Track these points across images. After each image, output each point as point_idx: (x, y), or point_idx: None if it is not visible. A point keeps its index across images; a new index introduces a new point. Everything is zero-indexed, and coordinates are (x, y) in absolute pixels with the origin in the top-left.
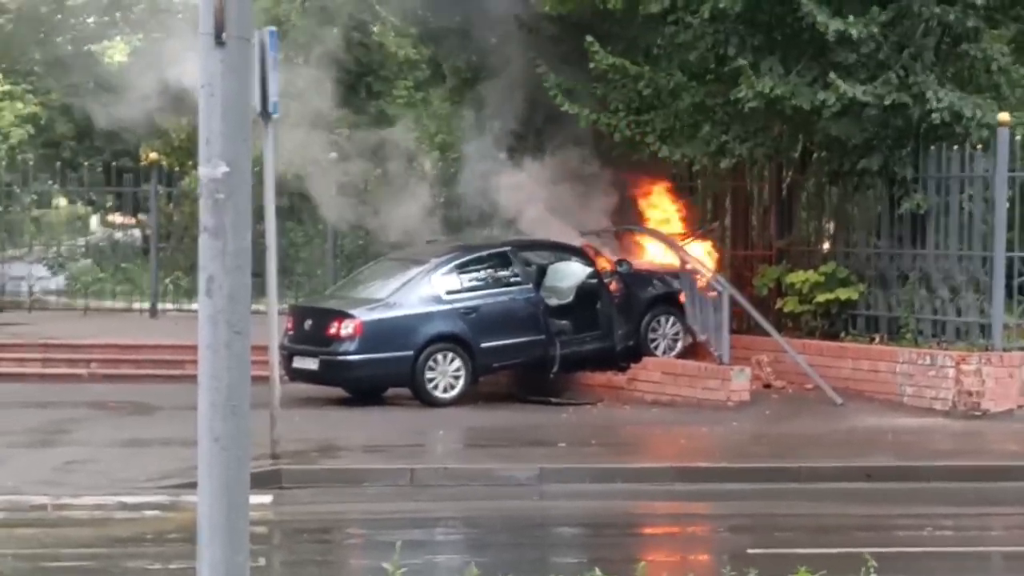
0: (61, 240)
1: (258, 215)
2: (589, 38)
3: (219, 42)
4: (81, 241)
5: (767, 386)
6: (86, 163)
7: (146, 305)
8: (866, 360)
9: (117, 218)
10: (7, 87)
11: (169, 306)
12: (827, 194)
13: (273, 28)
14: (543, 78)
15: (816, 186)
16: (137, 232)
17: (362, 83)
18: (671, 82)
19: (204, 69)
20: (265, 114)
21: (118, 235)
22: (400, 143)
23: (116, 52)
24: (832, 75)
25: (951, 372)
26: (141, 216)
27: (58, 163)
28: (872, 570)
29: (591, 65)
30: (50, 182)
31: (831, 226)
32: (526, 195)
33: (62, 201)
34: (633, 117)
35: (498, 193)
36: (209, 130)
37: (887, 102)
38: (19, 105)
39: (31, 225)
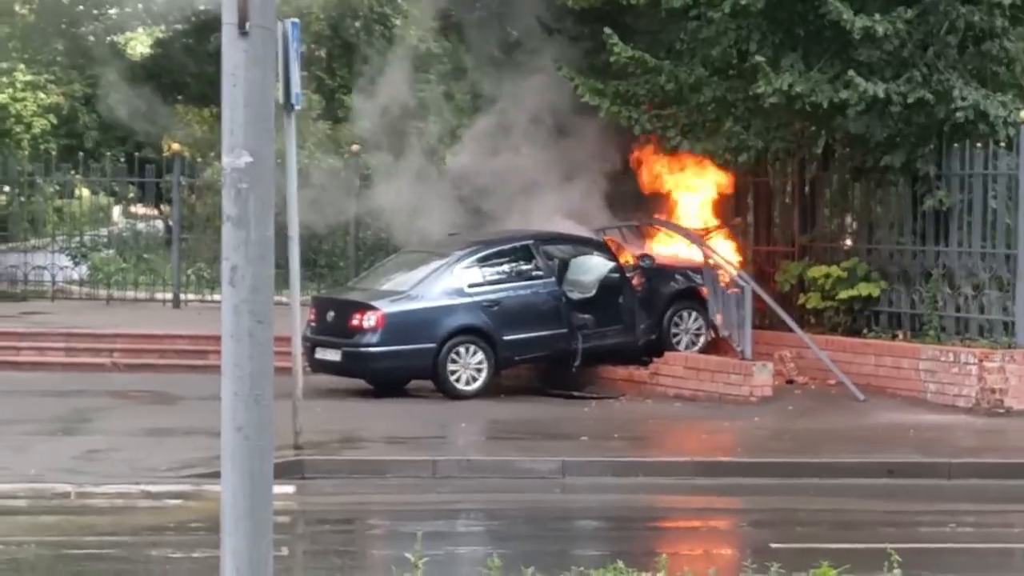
0: (83, 230)
1: (281, 206)
2: (607, 30)
3: (242, 32)
4: (104, 231)
5: (789, 382)
6: (108, 153)
7: (169, 295)
8: (889, 357)
9: (139, 209)
10: (29, 77)
11: (192, 297)
12: (850, 190)
13: (295, 19)
14: (563, 71)
15: (839, 182)
16: (159, 223)
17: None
18: (692, 76)
19: (227, 59)
20: (287, 105)
21: (140, 226)
22: (421, 136)
23: (139, 43)
24: (851, 73)
25: (974, 369)
26: (163, 207)
27: (80, 153)
28: (896, 564)
29: (611, 59)
30: (72, 172)
31: (854, 222)
32: (547, 189)
33: (84, 191)
34: (655, 112)
35: (519, 187)
36: (232, 120)
37: (910, 100)
38: (41, 95)
39: (53, 215)
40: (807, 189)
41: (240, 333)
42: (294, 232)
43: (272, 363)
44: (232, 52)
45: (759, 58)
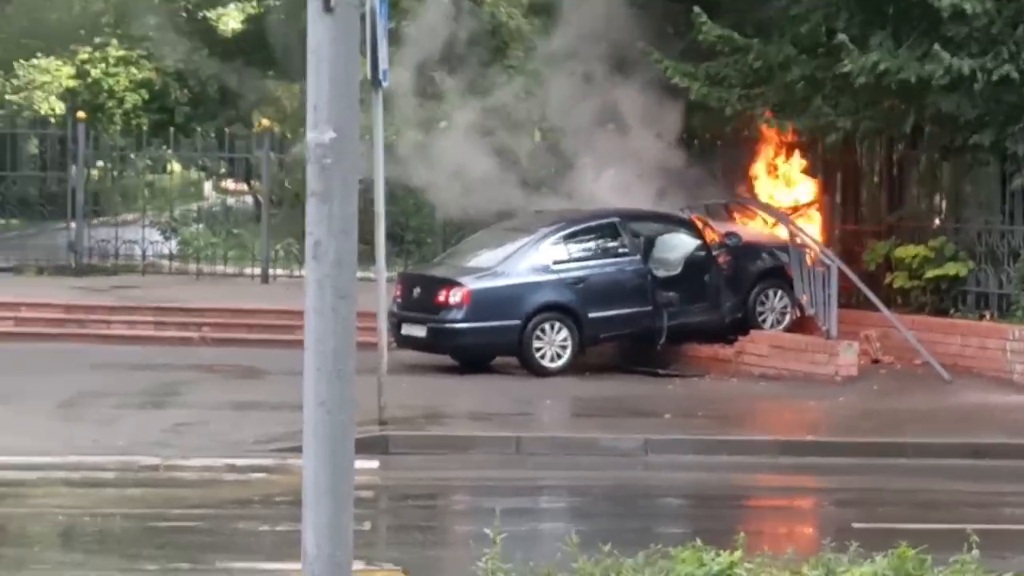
0: (174, 205)
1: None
2: (696, 9)
3: (327, 8)
4: (194, 206)
5: (875, 361)
6: (199, 129)
7: (257, 270)
8: (975, 337)
9: (230, 184)
10: (122, 53)
11: (280, 271)
12: (938, 169)
13: None
14: (653, 55)
15: (927, 161)
16: (249, 198)
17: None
18: (781, 55)
19: (312, 35)
20: (375, 82)
21: (231, 201)
22: (510, 113)
23: (230, 19)
24: (936, 47)
25: None
26: (253, 182)
27: (171, 128)
28: (974, 546)
29: (699, 37)
30: (164, 147)
31: (942, 202)
32: (634, 167)
33: (176, 166)
34: (744, 91)
35: (604, 165)
36: (317, 96)
37: (996, 76)
38: (134, 70)
39: (145, 190)
40: (895, 168)
41: (323, 308)
42: (380, 208)
43: (354, 338)
44: (317, 29)
45: (843, 36)
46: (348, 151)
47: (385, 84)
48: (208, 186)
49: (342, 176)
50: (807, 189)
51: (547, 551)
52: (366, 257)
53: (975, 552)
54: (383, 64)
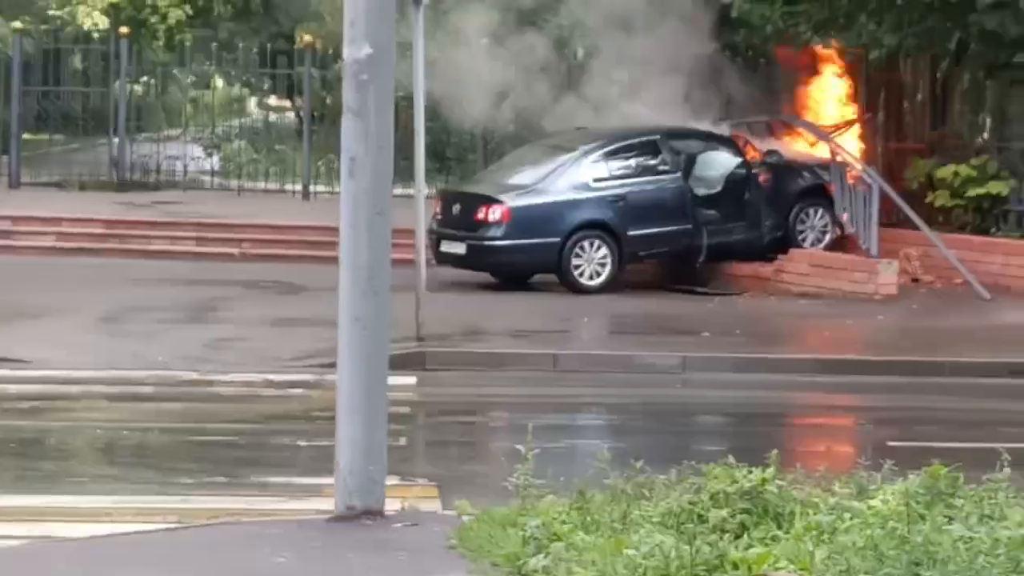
0: (217, 121)
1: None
2: None
3: None
4: (236, 123)
5: (915, 280)
6: (242, 45)
7: (299, 187)
8: (1017, 256)
9: (273, 100)
10: None
11: (321, 188)
12: (982, 88)
13: None
14: None
15: (971, 80)
16: (292, 115)
17: None
18: None
19: None
20: None
21: (273, 117)
22: (551, 30)
23: None
24: None
25: None
26: (296, 99)
27: (214, 45)
28: (1006, 464)
29: None
30: (207, 63)
31: (985, 120)
32: (674, 84)
33: (219, 83)
34: (787, 8)
35: (644, 81)
36: (354, 11)
37: None
38: None
39: (188, 106)
40: (939, 87)
41: (358, 224)
42: (420, 125)
43: (389, 255)
44: None
45: None
46: (384, 67)
47: (425, 1)
48: (252, 102)
49: (378, 92)
50: (849, 107)
51: (582, 467)
52: (406, 174)
53: (1007, 471)
54: None
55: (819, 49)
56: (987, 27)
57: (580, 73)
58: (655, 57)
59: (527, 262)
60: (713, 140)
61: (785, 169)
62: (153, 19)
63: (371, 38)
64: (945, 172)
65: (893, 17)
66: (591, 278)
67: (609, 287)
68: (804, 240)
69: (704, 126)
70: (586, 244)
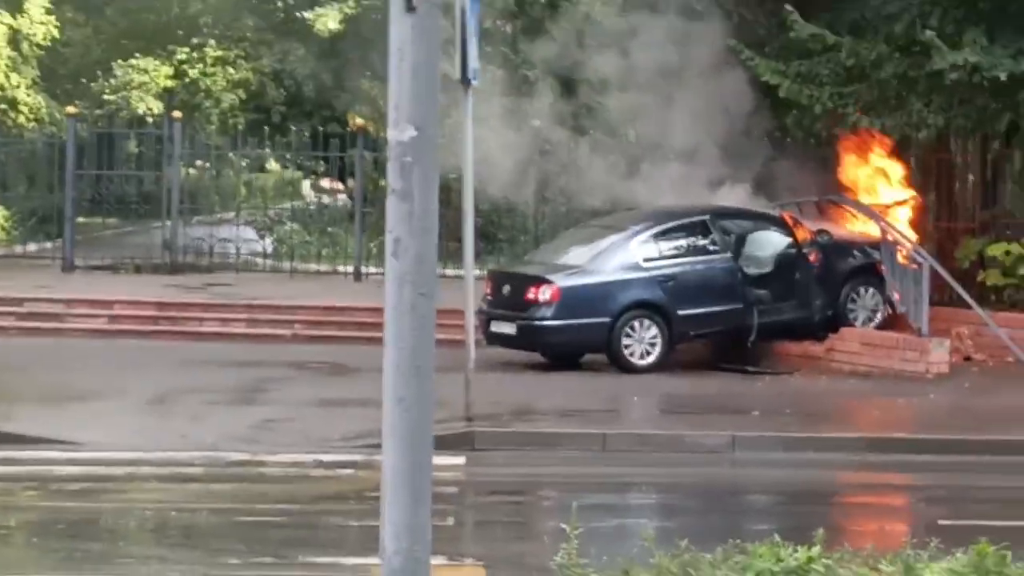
0: (271, 204)
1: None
2: (788, 7)
3: (410, 8)
4: (288, 205)
5: (967, 359)
6: (295, 128)
7: (351, 268)
8: None
9: (325, 183)
10: (220, 53)
11: (373, 270)
12: None
13: None
14: (743, 52)
15: (1022, 159)
16: (344, 197)
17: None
18: (873, 53)
19: (395, 34)
20: (465, 80)
21: (326, 199)
22: (602, 113)
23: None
24: None
25: None
26: (348, 181)
27: (267, 128)
28: None
29: (791, 35)
30: (260, 146)
31: None
32: (724, 165)
33: (274, 165)
34: (836, 89)
35: (696, 163)
36: (399, 95)
37: None
38: (231, 70)
39: (242, 188)
40: (989, 166)
41: (402, 305)
42: (469, 206)
43: (433, 335)
44: (399, 27)
45: (931, 33)
46: (429, 149)
47: (474, 82)
48: (306, 185)
49: (423, 174)
50: (900, 188)
51: (628, 547)
52: (457, 255)
53: None
54: (472, 63)
55: (868, 131)
56: None
57: (632, 155)
58: (705, 139)
59: (577, 342)
60: (763, 220)
61: (835, 248)
62: (207, 103)
63: (415, 120)
64: (996, 250)
65: (942, 98)
66: (641, 357)
67: (659, 367)
68: (855, 319)
69: (755, 206)
70: (636, 324)
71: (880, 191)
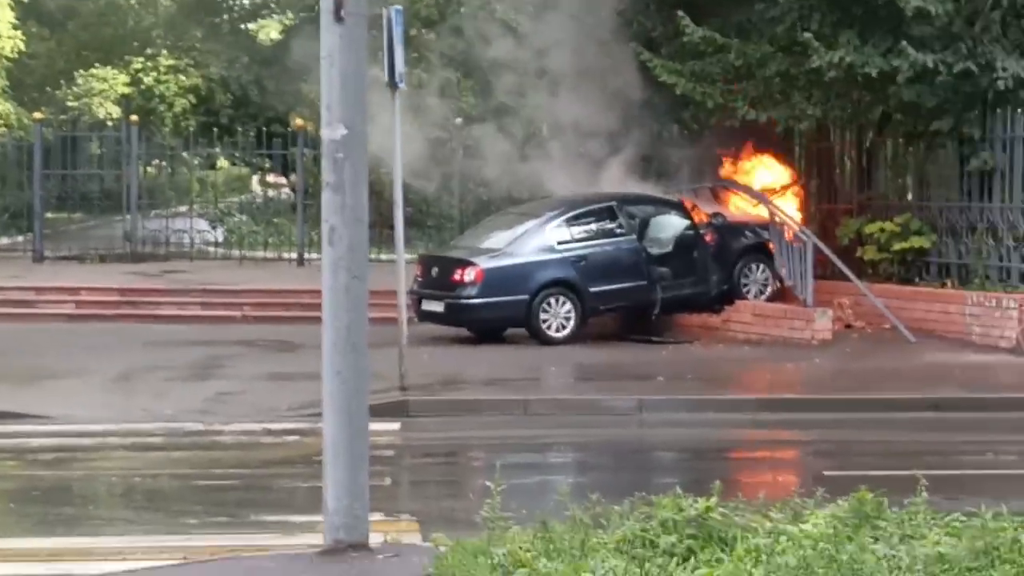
0: (221, 198)
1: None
2: (680, 13)
3: (338, 18)
4: (237, 199)
5: (848, 326)
6: (241, 129)
7: (294, 255)
8: (938, 303)
9: (271, 178)
10: (172, 62)
11: (315, 256)
12: (903, 153)
13: (399, 6)
14: (644, 55)
15: (893, 146)
16: (288, 190)
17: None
18: (759, 53)
19: (325, 43)
20: (392, 84)
21: (271, 193)
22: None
23: (270, 30)
24: (903, 43)
25: (1015, 313)
26: (291, 176)
27: (215, 129)
28: (923, 490)
29: (684, 38)
30: (210, 146)
31: (907, 182)
32: (628, 156)
33: (224, 163)
34: (727, 86)
35: (603, 155)
36: (329, 97)
37: (956, 70)
38: (182, 78)
39: (195, 184)
40: (865, 153)
41: (337, 288)
42: (399, 197)
43: (366, 314)
44: (328, 37)
45: (808, 35)
46: (358, 146)
47: (401, 86)
48: (255, 180)
49: (353, 168)
50: (785, 173)
51: (547, 501)
52: (389, 241)
53: (925, 495)
54: (399, 68)
55: (756, 122)
56: (905, 99)
57: (545, 148)
58: (612, 131)
59: (499, 318)
60: (664, 205)
61: (729, 229)
62: (161, 108)
63: (345, 120)
64: (872, 229)
65: (821, 93)
66: (557, 331)
67: (574, 339)
68: (747, 292)
69: (656, 193)
70: (552, 300)
71: (768, 177)
